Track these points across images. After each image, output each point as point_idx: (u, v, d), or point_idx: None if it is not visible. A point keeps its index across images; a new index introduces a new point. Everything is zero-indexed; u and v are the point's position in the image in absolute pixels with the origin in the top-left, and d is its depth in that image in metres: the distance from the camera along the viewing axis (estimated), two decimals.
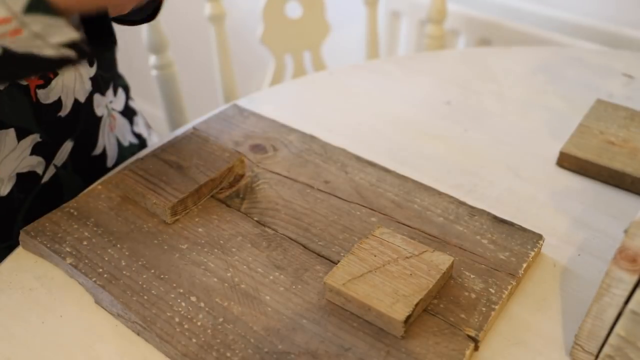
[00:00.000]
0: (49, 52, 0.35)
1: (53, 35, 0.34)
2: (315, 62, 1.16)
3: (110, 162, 0.64)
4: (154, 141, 0.75)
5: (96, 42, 0.40)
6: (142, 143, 0.71)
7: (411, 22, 1.28)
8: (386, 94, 0.72)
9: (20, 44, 0.34)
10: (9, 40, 0.34)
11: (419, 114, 0.68)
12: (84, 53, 0.36)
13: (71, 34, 0.34)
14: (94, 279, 0.45)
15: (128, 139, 0.68)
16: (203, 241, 0.48)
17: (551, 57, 0.80)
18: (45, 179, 0.55)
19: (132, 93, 0.74)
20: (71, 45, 0.35)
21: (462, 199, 0.53)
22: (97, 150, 0.61)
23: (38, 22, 0.33)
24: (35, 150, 0.53)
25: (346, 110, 0.68)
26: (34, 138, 0.52)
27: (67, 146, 0.56)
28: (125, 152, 0.67)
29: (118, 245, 0.48)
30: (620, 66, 0.77)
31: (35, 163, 0.53)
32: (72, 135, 0.56)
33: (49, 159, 0.54)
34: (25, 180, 0.53)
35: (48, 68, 0.37)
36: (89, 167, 0.60)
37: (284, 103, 0.69)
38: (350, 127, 0.65)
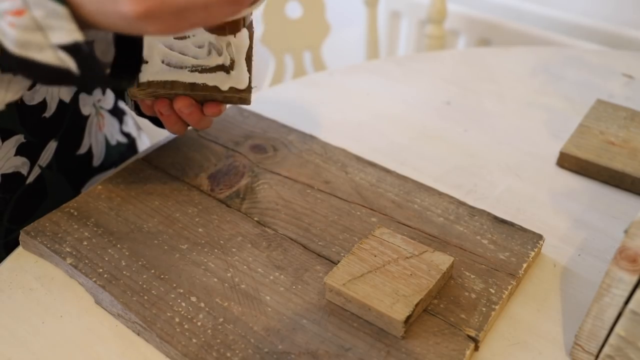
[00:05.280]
0: (47, 56, 0.34)
1: (54, 31, 0.33)
2: (315, 62, 1.16)
3: (96, 161, 0.64)
4: (144, 142, 0.75)
5: (119, 69, 0.38)
6: (131, 142, 0.71)
7: (411, 22, 1.29)
8: (386, 94, 0.72)
9: (20, 36, 0.33)
10: (10, 20, 0.33)
11: (419, 114, 0.68)
12: (86, 65, 0.35)
13: (74, 33, 0.33)
14: (94, 279, 0.45)
15: (116, 138, 0.68)
16: (203, 241, 0.48)
17: (551, 57, 0.80)
18: (30, 179, 0.55)
19: None
20: (72, 49, 0.34)
21: (462, 199, 0.53)
22: (82, 150, 0.61)
23: (42, 6, 0.32)
24: (20, 151, 0.52)
25: (346, 110, 0.68)
26: (19, 139, 0.52)
27: (52, 146, 0.56)
28: (112, 151, 0.66)
29: (118, 246, 0.48)
30: (620, 66, 0.77)
31: (19, 163, 0.53)
32: (57, 135, 0.56)
33: (33, 160, 0.54)
34: (9, 180, 0.53)
35: (44, 78, 0.36)
36: (73, 166, 0.60)
37: (284, 103, 0.69)
38: (350, 127, 0.65)
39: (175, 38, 0.47)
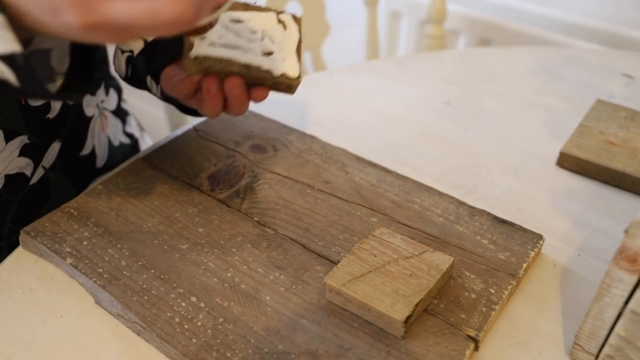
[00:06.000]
0: None
1: None
2: (315, 62, 1.15)
3: (99, 162, 0.64)
4: (147, 142, 0.75)
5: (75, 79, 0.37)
6: (134, 143, 0.71)
7: (411, 22, 1.29)
8: (386, 94, 0.72)
9: None
10: None
11: (419, 114, 0.68)
12: (25, 76, 0.33)
13: (10, 44, 0.31)
14: (94, 279, 0.45)
15: (119, 138, 0.68)
16: (203, 241, 0.48)
17: (551, 57, 0.80)
18: (34, 180, 0.55)
19: (133, 93, 0.74)
20: (9, 59, 0.32)
21: (462, 199, 0.53)
22: (86, 150, 0.61)
23: None
24: (24, 152, 0.52)
25: (346, 110, 0.68)
26: (22, 140, 0.52)
27: (55, 147, 0.56)
28: (115, 152, 0.66)
29: (118, 246, 0.48)
30: (620, 66, 0.77)
31: (23, 164, 0.53)
32: (60, 136, 0.56)
33: (37, 161, 0.54)
34: (13, 181, 0.53)
35: None
36: (77, 167, 0.60)
37: (284, 103, 0.69)
38: (350, 127, 0.65)
39: (231, 20, 0.48)
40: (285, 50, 0.49)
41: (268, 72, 0.47)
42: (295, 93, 0.51)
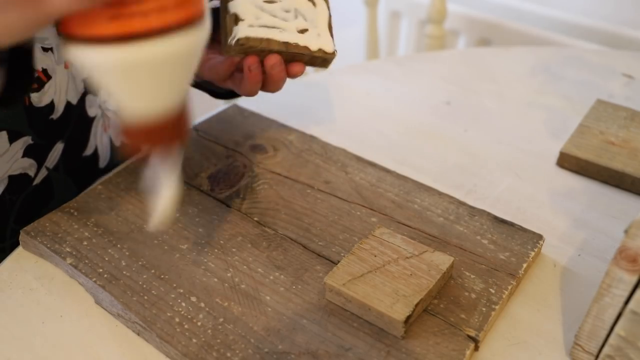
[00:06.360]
0: None
1: None
2: None
3: (102, 162, 0.63)
4: None
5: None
6: None
7: (411, 22, 1.29)
8: (386, 94, 0.72)
9: None
10: None
11: (419, 114, 0.68)
12: None
13: None
14: (94, 279, 0.45)
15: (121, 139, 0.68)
16: (203, 241, 0.48)
17: (551, 57, 0.80)
18: (37, 181, 0.54)
19: None
20: None
21: (462, 199, 0.53)
22: (89, 151, 0.61)
23: None
24: (27, 153, 0.52)
25: (346, 110, 0.68)
26: (26, 140, 0.52)
27: (58, 147, 0.56)
28: (118, 153, 0.66)
29: (118, 245, 0.48)
30: (620, 66, 0.77)
31: (27, 165, 0.53)
32: (63, 137, 0.56)
33: (40, 161, 0.54)
34: (16, 182, 0.53)
35: None
36: (80, 167, 0.60)
37: (284, 103, 0.69)
38: (350, 127, 0.65)
39: (264, 1, 0.50)
40: (318, 27, 0.52)
41: (306, 48, 0.50)
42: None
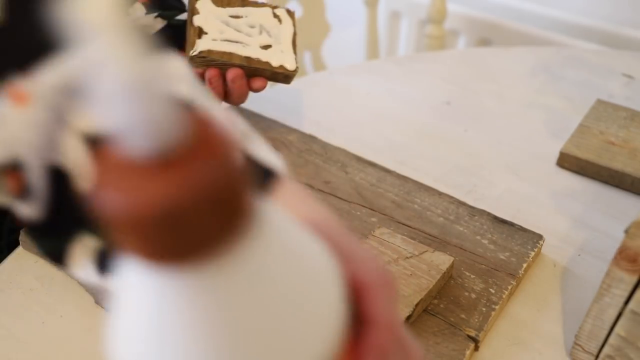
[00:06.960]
0: None
1: None
2: (315, 62, 1.16)
3: None
4: None
5: None
6: None
7: (411, 22, 1.29)
8: (386, 94, 0.72)
9: None
10: None
11: (419, 114, 0.68)
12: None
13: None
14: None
15: None
16: None
17: (551, 57, 0.80)
18: None
19: None
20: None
21: (462, 199, 0.53)
22: None
23: None
24: None
25: (346, 110, 0.68)
26: None
27: None
28: None
29: None
30: (620, 66, 0.77)
31: None
32: None
33: None
34: None
35: None
36: None
37: (284, 103, 0.69)
38: (350, 127, 0.65)
39: (230, 16, 0.51)
40: (282, 43, 0.52)
41: (267, 64, 0.51)
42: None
